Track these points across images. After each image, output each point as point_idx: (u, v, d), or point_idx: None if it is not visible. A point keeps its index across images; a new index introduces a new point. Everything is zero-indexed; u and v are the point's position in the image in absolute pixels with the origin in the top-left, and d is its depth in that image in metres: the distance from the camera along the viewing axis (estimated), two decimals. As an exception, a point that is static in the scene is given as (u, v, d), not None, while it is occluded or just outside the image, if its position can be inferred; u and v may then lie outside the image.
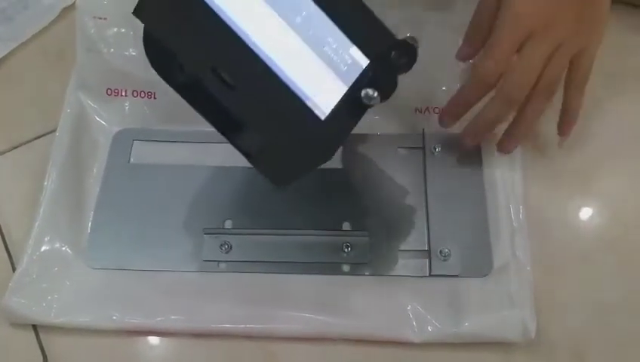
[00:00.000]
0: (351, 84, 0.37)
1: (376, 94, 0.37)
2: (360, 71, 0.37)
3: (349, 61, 0.37)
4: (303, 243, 0.47)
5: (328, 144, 0.38)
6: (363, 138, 0.52)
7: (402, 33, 0.45)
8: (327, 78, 0.37)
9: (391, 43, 0.37)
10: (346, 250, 0.47)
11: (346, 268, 0.47)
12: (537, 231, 0.47)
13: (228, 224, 0.49)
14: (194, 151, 0.52)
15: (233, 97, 0.36)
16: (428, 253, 0.46)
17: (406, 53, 0.38)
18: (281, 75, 0.36)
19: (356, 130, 0.42)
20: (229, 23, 0.36)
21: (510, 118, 0.47)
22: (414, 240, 0.47)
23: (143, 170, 0.51)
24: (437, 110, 0.52)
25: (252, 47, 0.36)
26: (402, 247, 0.47)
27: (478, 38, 0.46)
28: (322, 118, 0.37)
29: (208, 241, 0.47)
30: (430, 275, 0.46)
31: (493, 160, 0.50)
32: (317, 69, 0.37)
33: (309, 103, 0.37)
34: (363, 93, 0.37)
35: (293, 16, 0.36)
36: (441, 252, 0.46)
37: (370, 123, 0.51)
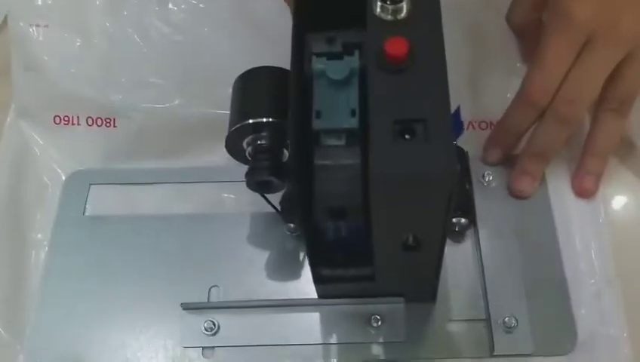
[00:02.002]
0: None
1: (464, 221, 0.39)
2: None
3: None
4: (316, 319, 0.39)
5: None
6: None
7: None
8: None
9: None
10: (374, 324, 0.38)
11: (376, 349, 0.38)
12: (633, 286, 0.39)
13: (214, 294, 0.40)
14: (167, 194, 0.45)
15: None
16: (488, 324, 0.38)
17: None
18: None
19: None
20: None
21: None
22: (468, 307, 0.39)
23: (103, 225, 0.44)
24: (485, 125, 0.44)
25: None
26: (452, 317, 0.38)
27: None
28: None
29: (188, 321, 0.39)
30: (492, 355, 0.37)
31: (564, 188, 0.42)
32: None
33: None
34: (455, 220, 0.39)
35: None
36: (505, 322, 0.37)
37: None
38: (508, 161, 0.42)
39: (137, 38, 0.46)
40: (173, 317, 0.39)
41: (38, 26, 0.45)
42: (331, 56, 0.29)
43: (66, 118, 0.46)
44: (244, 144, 0.35)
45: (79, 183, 0.45)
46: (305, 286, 0.39)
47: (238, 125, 0.35)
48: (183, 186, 0.44)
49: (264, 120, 0.34)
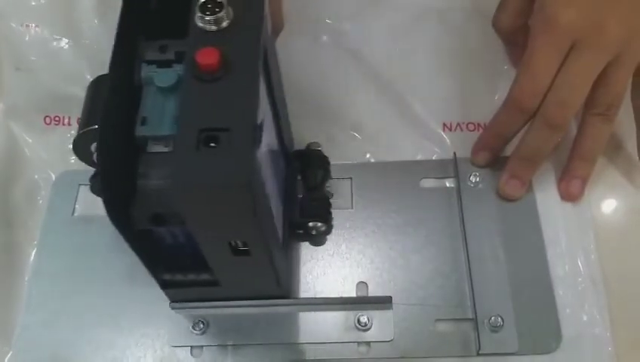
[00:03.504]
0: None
1: (319, 225, 0.39)
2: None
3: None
4: (304, 318, 0.38)
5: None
6: (375, 168, 0.43)
7: (425, 24, 0.47)
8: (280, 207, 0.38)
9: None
10: (362, 324, 0.38)
11: (363, 349, 0.38)
12: (618, 287, 0.39)
13: None
14: None
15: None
16: (474, 324, 0.37)
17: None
18: None
19: (365, 159, 0.43)
20: None
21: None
22: (455, 307, 0.38)
23: (92, 225, 0.42)
24: (472, 126, 0.44)
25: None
26: (439, 316, 0.38)
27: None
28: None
29: (177, 320, 0.38)
30: (479, 354, 0.37)
31: (550, 190, 0.41)
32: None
33: None
34: (311, 224, 0.39)
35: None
36: (491, 322, 0.37)
37: (383, 147, 0.44)
38: (495, 163, 0.41)
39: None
40: (162, 316, 0.38)
41: (28, 25, 0.45)
42: (161, 64, 0.29)
43: (57, 119, 0.46)
44: (92, 148, 0.35)
45: (68, 184, 0.44)
46: (294, 285, 0.39)
47: (84, 130, 0.34)
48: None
49: None
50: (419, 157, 0.43)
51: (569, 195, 0.41)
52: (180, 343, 0.38)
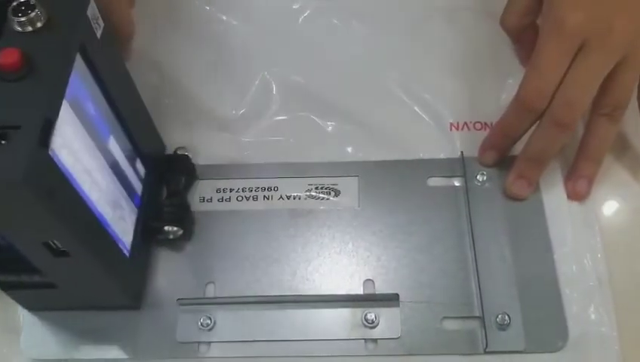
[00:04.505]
0: (138, 214, 0.38)
1: (175, 228, 0.39)
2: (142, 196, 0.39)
3: (138, 186, 0.39)
4: (311, 315, 0.38)
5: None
6: (382, 167, 0.43)
7: (433, 23, 0.48)
8: (127, 209, 0.37)
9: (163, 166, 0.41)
10: (369, 321, 0.37)
11: (370, 346, 0.37)
12: (625, 286, 0.39)
13: (210, 290, 0.39)
14: None
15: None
16: (481, 322, 0.37)
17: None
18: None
19: (372, 158, 0.43)
20: None
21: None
22: (462, 305, 0.38)
23: None
24: (479, 126, 0.44)
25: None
26: (445, 314, 0.38)
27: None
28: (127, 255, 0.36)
29: (184, 316, 0.38)
30: (486, 352, 0.37)
31: (557, 190, 0.41)
32: (123, 203, 0.37)
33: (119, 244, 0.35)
34: (166, 228, 0.39)
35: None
36: (498, 319, 0.37)
37: (390, 145, 0.43)
38: (502, 162, 0.41)
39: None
40: (170, 312, 0.38)
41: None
42: None
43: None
44: None
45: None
46: (300, 282, 0.39)
47: None
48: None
49: None
50: (426, 156, 0.43)
51: (575, 195, 0.40)
52: (188, 339, 0.37)
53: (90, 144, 0.32)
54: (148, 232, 0.39)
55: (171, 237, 0.39)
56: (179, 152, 0.42)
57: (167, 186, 0.41)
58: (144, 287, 0.38)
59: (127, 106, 0.36)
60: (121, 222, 0.36)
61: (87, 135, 0.32)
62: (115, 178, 0.35)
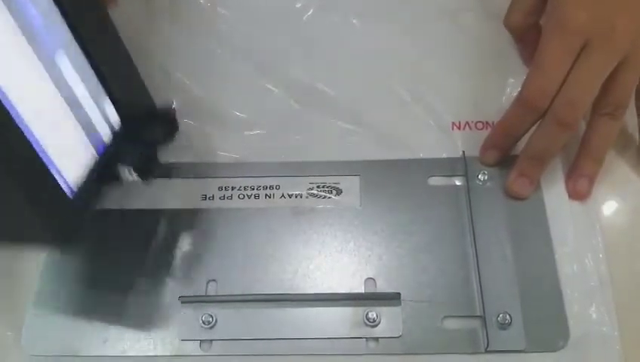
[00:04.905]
0: (98, 157, 0.36)
1: (134, 174, 0.37)
2: (109, 141, 0.37)
3: (104, 130, 0.37)
4: (312, 313, 0.38)
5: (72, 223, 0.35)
6: (383, 166, 0.43)
7: (436, 23, 0.48)
8: (80, 147, 0.35)
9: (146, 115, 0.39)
10: (370, 320, 0.37)
11: (371, 344, 0.37)
12: (626, 286, 0.38)
13: (212, 288, 0.39)
14: (163, 187, 0.43)
15: None
16: (482, 321, 0.37)
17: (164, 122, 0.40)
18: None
19: (374, 157, 0.42)
20: None
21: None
22: (463, 304, 0.38)
23: (101, 218, 0.42)
24: (481, 125, 0.44)
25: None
26: (446, 313, 0.38)
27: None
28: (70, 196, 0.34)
29: (186, 314, 0.38)
30: (487, 351, 0.37)
31: (558, 189, 0.41)
32: (72, 136, 0.35)
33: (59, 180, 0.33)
34: (120, 169, 0.37)
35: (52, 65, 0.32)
36: (499, 319, 0.37)
37: (392, 145, 0.44)
38: (504, 161, 0.41)
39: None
40: (171, 310, 0.38)
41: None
42: None
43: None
44: None
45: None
46: (301, 281, 0.39)
47: None
48: (180, 181, 0.43)
49: None
50: (428, 156, 0.43)
51: (576, 194, 0.40)
52: (189, 337, 0.37)
53: (28, 53, 0.30)
54: (104, 176, 0.37)
55: (131, 180, 0.37)
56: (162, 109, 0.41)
57: (141, 135, 0.39)
58: (78, 230, 0.35)
59: (101, 45, 0.35)
60: (66, 156, 0.33)
61: (24, 40, 0.30)
62: (64, 105, 0.33)
